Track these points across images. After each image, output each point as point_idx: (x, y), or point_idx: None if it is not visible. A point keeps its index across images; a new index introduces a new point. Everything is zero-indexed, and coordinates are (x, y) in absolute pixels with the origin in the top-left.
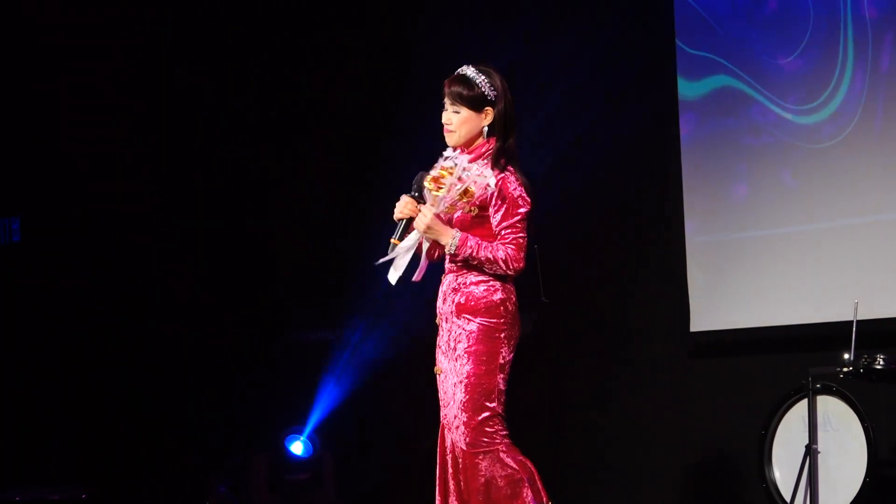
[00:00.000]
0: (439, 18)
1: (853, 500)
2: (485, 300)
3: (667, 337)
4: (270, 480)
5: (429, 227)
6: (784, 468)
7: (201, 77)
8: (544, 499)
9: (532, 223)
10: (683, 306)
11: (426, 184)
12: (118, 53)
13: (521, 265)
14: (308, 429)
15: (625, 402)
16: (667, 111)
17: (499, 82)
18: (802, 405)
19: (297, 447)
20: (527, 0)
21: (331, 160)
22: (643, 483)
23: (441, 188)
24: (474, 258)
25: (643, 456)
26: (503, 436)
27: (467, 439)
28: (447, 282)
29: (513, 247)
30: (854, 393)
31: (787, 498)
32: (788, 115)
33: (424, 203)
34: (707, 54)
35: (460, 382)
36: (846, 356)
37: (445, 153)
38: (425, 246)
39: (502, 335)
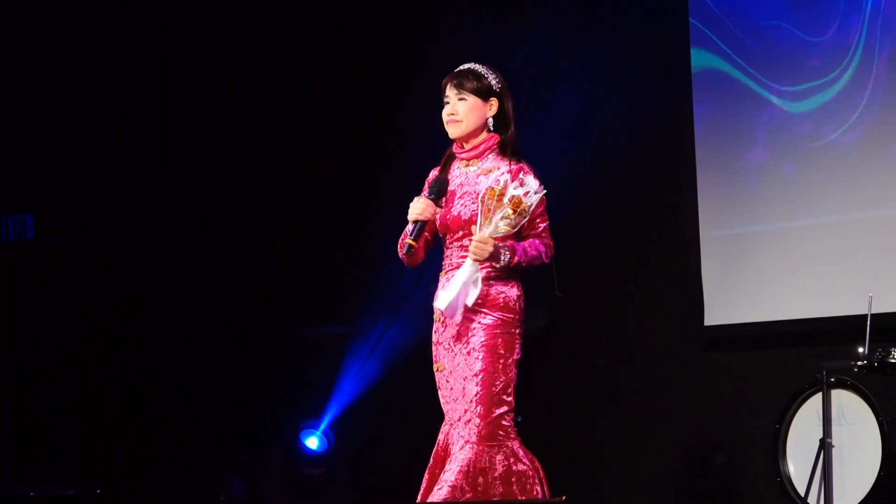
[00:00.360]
0: (439, 18)
1: (867, 494)
2: (503, 295)
3: (681, 331)
4: (284, 475)
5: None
6: (798, 462)
7: (201, 77)
8: (548, 495)
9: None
10: (697, 300)
11: (492, 203)
12: (118, 53)
13: (553, 252)
14: (324, 424)
15: (639, 396)
16: (681, 107)
17: (502, 78)
18: (817, 399)
19: (313, 442)
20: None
21: (331, 160)
22: (657, 476)
23: (510, 209)
24: (524, 262)
25: (657, 450)
26: (516, 431)
27: (483, 432)
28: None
29: (545, 235)
30: (868, 387)
31: (802, 492)
32: (803, 109)
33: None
34: (716, 47)
35: (475, 376)
36: (860, 350)
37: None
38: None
39: (517, 331)
